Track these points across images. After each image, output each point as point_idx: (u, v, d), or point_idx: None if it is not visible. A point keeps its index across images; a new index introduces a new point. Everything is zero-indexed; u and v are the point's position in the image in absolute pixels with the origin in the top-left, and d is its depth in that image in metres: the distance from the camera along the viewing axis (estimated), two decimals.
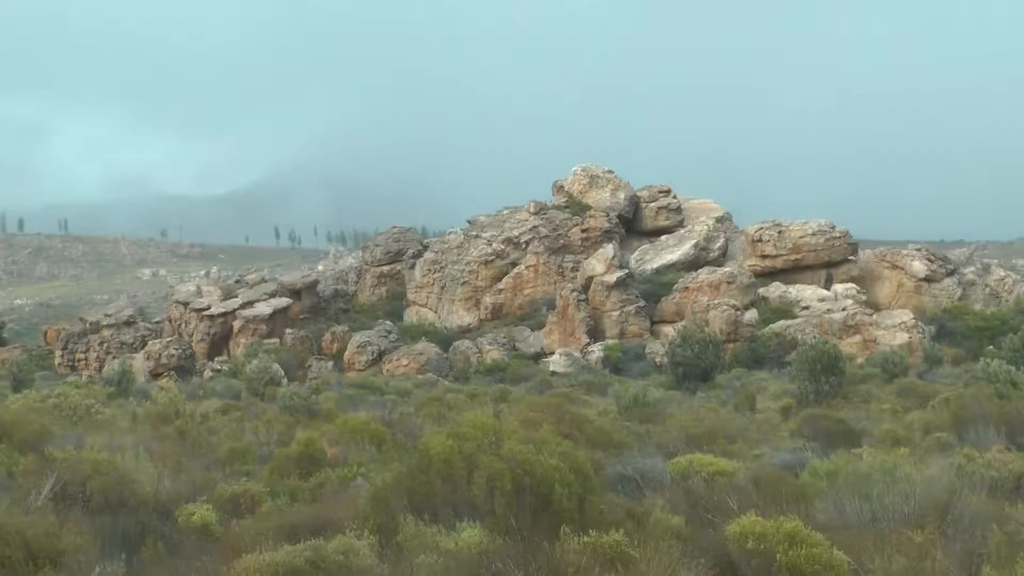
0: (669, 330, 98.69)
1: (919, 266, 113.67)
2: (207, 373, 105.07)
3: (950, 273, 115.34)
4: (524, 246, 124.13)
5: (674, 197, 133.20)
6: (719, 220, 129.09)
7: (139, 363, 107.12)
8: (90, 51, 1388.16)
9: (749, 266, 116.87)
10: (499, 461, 20.12)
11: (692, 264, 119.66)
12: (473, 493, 20.26)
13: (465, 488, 20.47)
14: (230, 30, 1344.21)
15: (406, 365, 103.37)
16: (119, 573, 18.94)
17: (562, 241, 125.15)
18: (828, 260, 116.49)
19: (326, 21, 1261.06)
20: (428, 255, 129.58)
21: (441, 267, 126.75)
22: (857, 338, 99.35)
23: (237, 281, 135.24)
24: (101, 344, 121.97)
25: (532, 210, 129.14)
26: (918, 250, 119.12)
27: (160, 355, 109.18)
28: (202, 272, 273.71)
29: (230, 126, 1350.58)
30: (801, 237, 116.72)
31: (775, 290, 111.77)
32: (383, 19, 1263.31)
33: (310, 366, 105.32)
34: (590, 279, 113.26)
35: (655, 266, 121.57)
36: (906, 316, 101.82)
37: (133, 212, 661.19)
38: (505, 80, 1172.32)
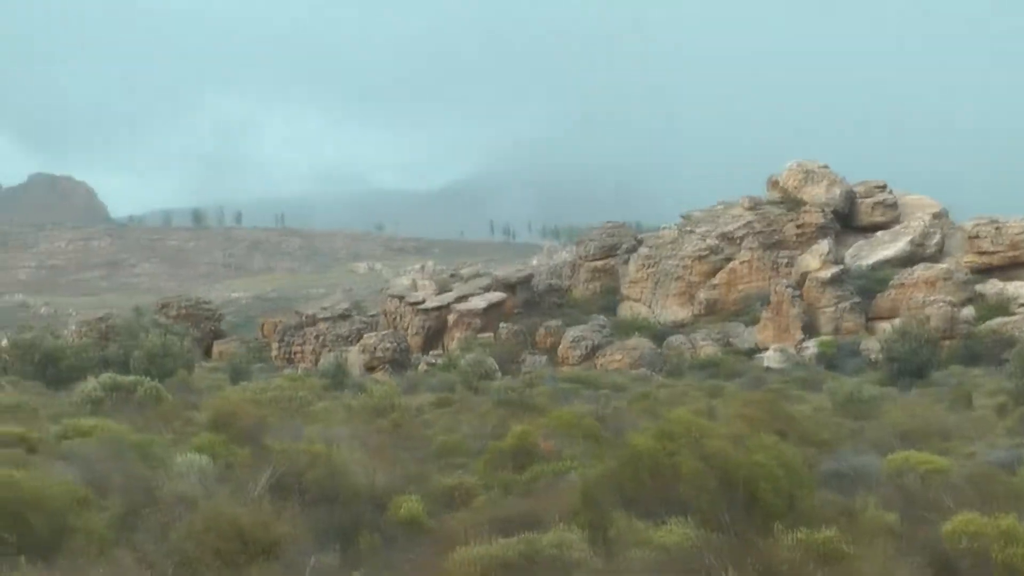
0: (884, 326, 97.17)
1: None
2: (422, 366, 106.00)
3: None
4: (738, 241, 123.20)
5: (890, 192, 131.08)
6: (935, 216, 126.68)
7: (354, 356, 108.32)
8: (299, 48, 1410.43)
9: (966, 263, 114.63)
10: (700, 459, 19.95)
11: (907, 260, 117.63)
12: (681, 490, 20.13)
13: (673, 484, 20.35)
14: (439, 27, 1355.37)
15: (619, 360, 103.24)
16: (334, 564, 19.14)
17: (776, 236, 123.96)
18: None
19: (531, 19, 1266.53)
20: (642, 250, 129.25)
21: (655, 262, 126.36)
22: None
23: (452, 275, 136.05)
24: (317, 337, 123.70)
25: (746, 205, 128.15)
26: None
27: (375, 348, 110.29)
28: (417, 266, 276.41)
29: (436, 122, 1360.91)
30: (1019, 234, 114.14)
31: (992, 287, 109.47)
32: (587, 19, 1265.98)
33: (524, 360, 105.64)
34: (804, 275, 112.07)
35: (870, 262, 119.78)
36: None
37: (343, 206, 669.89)
38: (717, 74, 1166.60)
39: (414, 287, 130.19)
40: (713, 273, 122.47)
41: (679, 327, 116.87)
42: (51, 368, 71.06)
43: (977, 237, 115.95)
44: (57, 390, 61.38)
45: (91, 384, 50.86)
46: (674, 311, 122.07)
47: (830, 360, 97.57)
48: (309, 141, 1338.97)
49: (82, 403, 48.08)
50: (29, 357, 73.16)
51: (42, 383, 66.47)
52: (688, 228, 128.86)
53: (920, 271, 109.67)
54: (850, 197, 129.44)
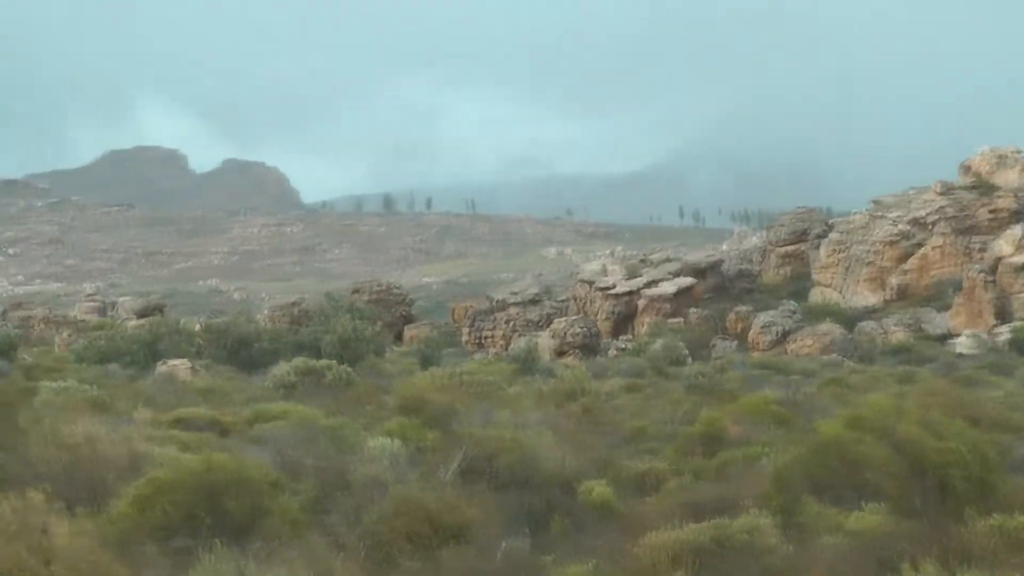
0: None
1: None
2: (611, 351, 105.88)
3: None
4: (930, 227, 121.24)
5: None
6: None
7: (544, 341, 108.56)
8: (483, 33, 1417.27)
9: None
10: (886, 446, 19.63)
11: None
12: (870, 476, 19.87)
13: (863, 471, 20.08)
14: (624, 11, 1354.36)
15: (810, 345, 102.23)
16: (525, 548, 19.15)
17: (969, 222, 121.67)
18: None
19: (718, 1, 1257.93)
20: (833, 235, 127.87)
21: (846, 247, 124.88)
22: None
23: (641, 260, 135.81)
24: (507, 322, 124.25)
25: (938, 190, 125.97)
26: None
27: (565, 333, 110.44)
28: (607, 251, 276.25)
29: (622, 107, 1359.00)
30: None
31: None
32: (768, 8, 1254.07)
33: (714, 345, 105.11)
34: (998, 260, 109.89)
35: None
36: None
37: (530, 191, 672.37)
38: (909, 60, 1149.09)
39: (604, 272, 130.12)
40: (904, 258, 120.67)
41: (870, 313, 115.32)
42: (243, 352, 72.22)
43: None
44: (250, 374, 62.35)
45: (283, 368, 51.63)
46: (865, 296, 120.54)
47: (1023, 346, 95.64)
48: (495, 126, 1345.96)
49: (274, 387, 48.82)
50: (222, 341, 74.43)
51: (235, 367, 67.58)
52: (879, 213, 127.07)
53: None
54: None
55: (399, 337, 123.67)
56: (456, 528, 18.51)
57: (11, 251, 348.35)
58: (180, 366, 63.25)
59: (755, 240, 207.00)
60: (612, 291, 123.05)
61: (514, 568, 17.76)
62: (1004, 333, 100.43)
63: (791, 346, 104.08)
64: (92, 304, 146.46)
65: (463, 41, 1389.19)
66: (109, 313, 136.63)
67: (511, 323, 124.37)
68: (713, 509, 19.89)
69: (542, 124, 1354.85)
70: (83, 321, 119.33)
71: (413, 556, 17.68)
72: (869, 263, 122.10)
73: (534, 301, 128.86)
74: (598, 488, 22.81)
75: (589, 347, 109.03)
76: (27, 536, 13.91)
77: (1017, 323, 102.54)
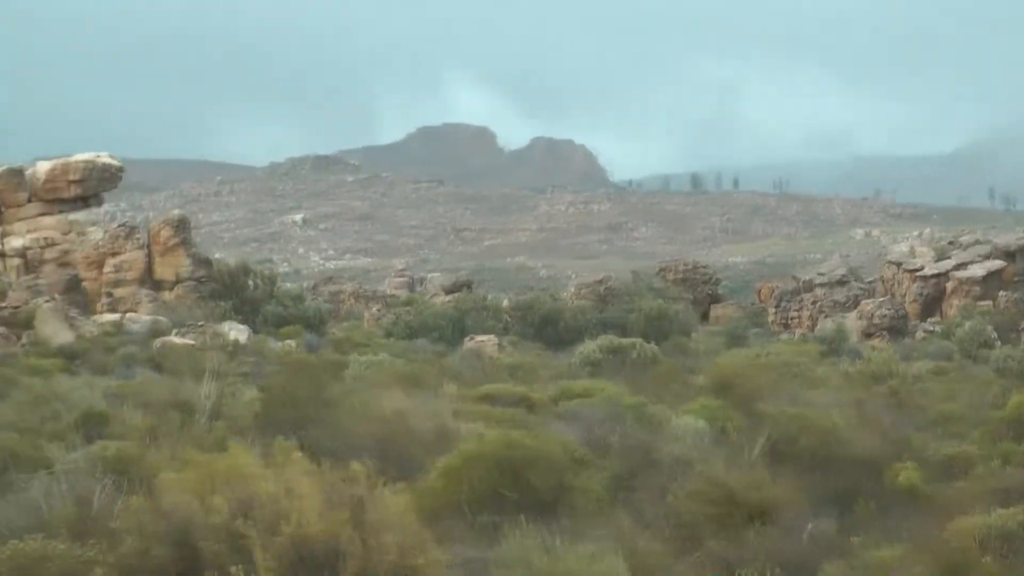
0: None
1: None
2: (919, 334, 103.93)
3: None
4: None
5: None
6: None
7: (851, 322, 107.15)
8: (785, 10, 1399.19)
9: None
10: None
11: None
12: None
13: None
14: None
15: None
16: (832, 529, 19.05)
17: None
18: None
19: None
20: None
21: None
22: None
23: (950, 243, 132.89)
24: (814, 303, 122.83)
25: None
26: None
27: (872, 315, 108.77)
28: (915, 233, 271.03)
29: (925, 87, 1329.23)
30: None
31: None
32: None
33: (1023, 329, 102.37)
34: None
35: None
36: None
37: (834, 171, 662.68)
38: None
39: (912, 254, 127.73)
40: None
41: None
42: (549, 329, 72.92)
43: None
44: (556, 351, 62.92)
45: (589, 346, 52.03)
46: None
47: None
48: (799, 105, 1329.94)
49: (580, 364, 49.22)
50: (528, 318, 75.32)
51: (541, 344, 68.28)
52: None
53: None
54: None
55: (705, 316, 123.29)
56: (761, 508, 18.49)
57: (322, 226, 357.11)
58: (487, 342, 64.25)
59: None
60: (920, 273, 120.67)
61: (821, 549, 17.69)
62: None
63: None
64: (401, 279, 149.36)
65: (765, 18, 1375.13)
66: (418, 289, 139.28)
67: (817, 304, 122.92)
68: (1022, 494, 19.50)
69: (846, 103, 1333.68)
70: (392, 296, 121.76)
71: (717, 535, 17.72)
72: None
73: (841, 282, 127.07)
74: (905, 471, 22.53)
75: (896, 329, 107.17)
76: (347, 506, 14.37)
77: None
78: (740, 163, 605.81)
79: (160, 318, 76.37)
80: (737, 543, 17.35)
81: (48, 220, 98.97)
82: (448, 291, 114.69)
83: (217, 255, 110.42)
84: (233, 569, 13.87)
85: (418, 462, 21.21)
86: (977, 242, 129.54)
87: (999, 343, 75.07)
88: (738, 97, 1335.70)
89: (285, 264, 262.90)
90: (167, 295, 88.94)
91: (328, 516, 14.14)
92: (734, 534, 17.66)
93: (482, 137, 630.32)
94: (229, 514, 14.55)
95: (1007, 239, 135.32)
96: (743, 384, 33.01)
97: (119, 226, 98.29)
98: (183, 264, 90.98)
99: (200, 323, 72.51)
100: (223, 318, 75.92)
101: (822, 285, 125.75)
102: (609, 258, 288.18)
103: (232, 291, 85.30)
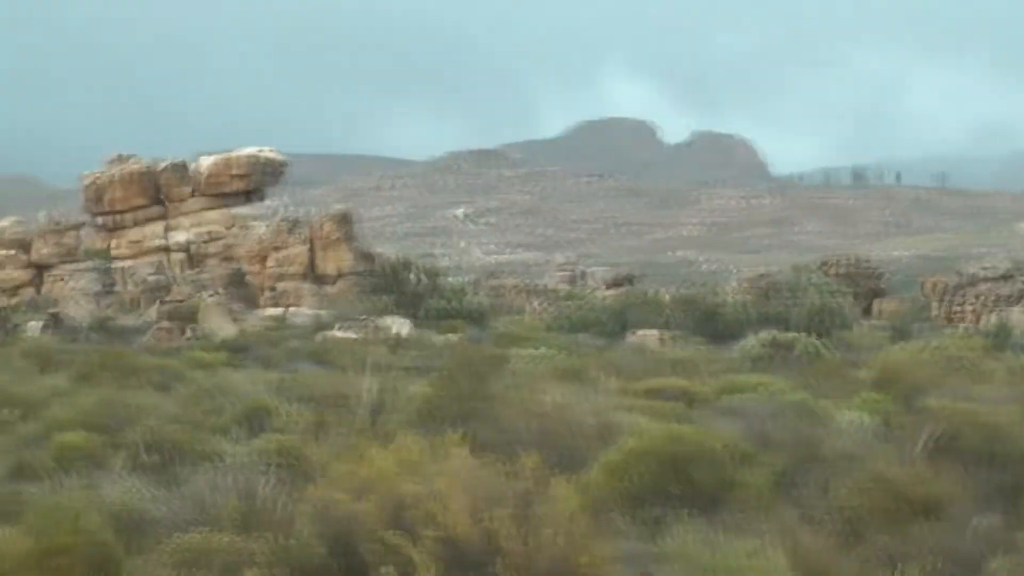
0: None
1: None
2: None
3: None
4: None
5: None
6: None
7: (1017, 316, 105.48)
8: (948, 2, 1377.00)
9: None
10: None
11: None
12: None
13: None
14: None
15: None
16: (998, 525, 18.79)
17: None
18: None
19: None
20: None
21: None
22: None
23: None
24: (978, 297, 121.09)
25: None
26: None
27: None
28: None
29: None
30: None
31: None
32: None
33: None
34: None
35: None
36: None
37: (998, 164, 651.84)
38: None
39: None
40: None
41: None
42: (712, 323, 72.65)
43: None
44: (718, 345, 62.68)
45: (752, 340, 51.78)
46: None
47: None
48: (960, 98, 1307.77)
49: (743, 358, 49.00)
50: (692, 312, 75.11)
51: (703, 338, 68.04)
52: None
53: None
54: None
55: (868, 311, 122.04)
56: (926, 503, 18.30)
57: (484, 221, 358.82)
58: (650, 336, 64.21)
59: None
60: None
61: (987, 544, 17.46)
62: None
63: None
64: (564, 274, 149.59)
65: (926, 9, 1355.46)
66: (580, 283, 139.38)
67: (982, 298, 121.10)
68: None
69: (1007, 96, 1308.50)
70: (554, 290, 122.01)
71: (882, 530, 17.57)
72: None
73: (1006, 276, 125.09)
74: None
75: None
76: (511, 500, 14.43)
77: None
78: (901, 156, 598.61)
79: (323, 312, 77.32)
80: (901, 538, 17.19)
81: (212, 214, 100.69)
82: (610, 285, 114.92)
83: (379, 249, 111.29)
84: (392, 567, 14.00)
85: (580, 456, 21.21)
86: None
87: None
88: (899, 89, 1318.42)
89: (447, 258, 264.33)
90: (330, 289, 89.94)
91: (489, 511, 14.19)
92: (898, 529, 17.50)
93: (643, 131, 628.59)
94: (389, 509, 14.69)
95: None
96: (907, 378, 32.65)
97: (282, 220, 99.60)
98: (346, 258, 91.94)
99: (362, 317, 73.28)
100: (385, 312, 76.55)
101: (987, 279, 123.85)
102: (773, 253, 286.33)
103: (394, 285, 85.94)
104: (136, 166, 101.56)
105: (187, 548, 15.46)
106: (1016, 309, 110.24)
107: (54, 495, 19.09)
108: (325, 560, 14.91)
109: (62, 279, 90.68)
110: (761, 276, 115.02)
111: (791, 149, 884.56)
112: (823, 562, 16.29)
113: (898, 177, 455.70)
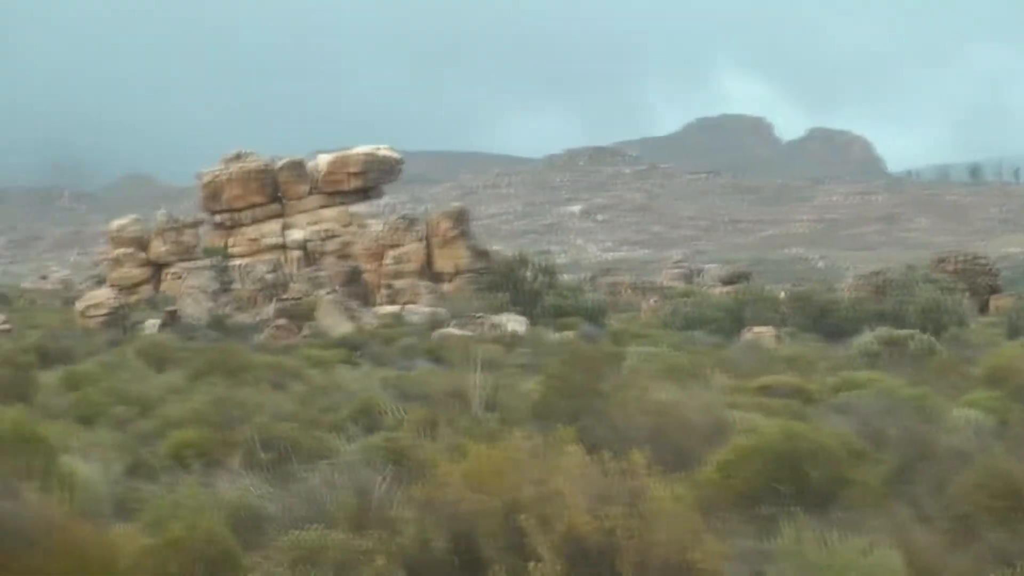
0: None
1: None
2: None
3: None
4: None
5: None
6: None
7: None
8: None
9: None
10: None
11: None
12: None
13: None
14: None
15: None
16: None
17: None
18: None
19: None
20: None
21: None
22: None
23: None
24: None
25: None
26: None
27: None
28: None
29: None
30: None
31: None
32: None
33: None
34: None
35: None
36: None
37: None
38: None
39: None
40: None
41: None
42: (826, 320, 72.26)
43: None
44: (832, 342, 62.36)
45: (866, 337, 51.48)
46: None
47: None
48: None
49: (857, 356, 48.75)
50: (806, 309, 74.70)
51: (818, 335, 67.72)
52: None
53: None
54: None
55: (984, 308, 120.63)
56: None
57: (600, 218, 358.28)
58: (765, 333, 63.95)
59: None
60: None
61: None
62: None
63: None
64: (678, 271, 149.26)
65: None
66: (694, 280, 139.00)
67: None
68: None
69: None
70: (669, 287, 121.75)
71: (996, 528, 17.47)
72: None
73: None
74: None
75: None
76: (624, 497, 14.55)
77: None
78: (1017, 153, 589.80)
79: (439, 309, 77.53)
80: (1017, 536, 17.08)
81: (328, 212, 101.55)
82: (725, 282, 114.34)
83: (495, 247, 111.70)
84: (510, 563, 14.13)
85: (693, 454, 21.27)
86: None
87: None
88: (1015, 86, 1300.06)
89: (563, 255, 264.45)
90: (446, 287, 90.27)
91: (603, 508, 14.30)
92: (1014, 527, 17.39)
93: (758, 128, 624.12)
94: (505, 506, 14.82)
95: None
96: (1019, 375, 32.38)
97: (399, 218, 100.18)
98: (462, 256, 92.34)
99: (478, 314, 73.39)
100: (501, 309, 76.60)
101: None
102: (886, 249, 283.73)
103: (510, 282, 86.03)
104: (253, 164, 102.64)
105: (301, 545, 15.70)
106: None
107: (171, 492, 19.42)
108: (443, 557, 15.08)
109: (179, 277, 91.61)
110: (875, 273, 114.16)
111: (906, 145, 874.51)
112: (936, 560, 16.26)
113: (1017, 174, 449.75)
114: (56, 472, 19.35)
